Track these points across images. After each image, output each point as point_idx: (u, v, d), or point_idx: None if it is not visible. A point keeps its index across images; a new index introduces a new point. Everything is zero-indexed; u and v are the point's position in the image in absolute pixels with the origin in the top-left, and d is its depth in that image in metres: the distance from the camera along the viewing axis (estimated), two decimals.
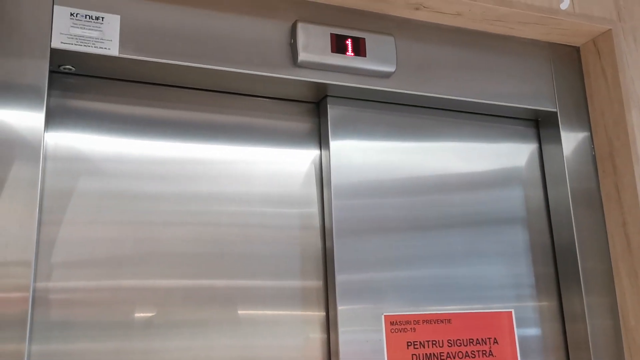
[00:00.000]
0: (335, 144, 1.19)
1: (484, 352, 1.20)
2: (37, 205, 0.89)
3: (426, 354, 1.15)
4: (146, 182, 1.07)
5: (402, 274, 1.17)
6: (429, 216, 1.24)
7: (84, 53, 0.99)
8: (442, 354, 1.16)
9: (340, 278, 1.12)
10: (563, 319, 1.31)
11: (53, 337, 0.95)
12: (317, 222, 1.18)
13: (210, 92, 1.17)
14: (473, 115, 1.35)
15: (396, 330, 1.13)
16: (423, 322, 1.16)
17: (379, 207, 1.19)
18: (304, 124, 1.23)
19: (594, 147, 1.37)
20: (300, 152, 1.21)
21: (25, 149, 0.91)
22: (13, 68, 0.94)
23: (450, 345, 1.17)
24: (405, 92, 1.22)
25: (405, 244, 1.20)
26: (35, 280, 0.96)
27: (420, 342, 1.15)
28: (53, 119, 1.04)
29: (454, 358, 1.17)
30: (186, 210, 1.09)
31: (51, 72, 1.03)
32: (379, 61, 1.18)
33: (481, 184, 1.31)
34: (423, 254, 1.21)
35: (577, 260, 1.28)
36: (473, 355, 1.18)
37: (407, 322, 1.15)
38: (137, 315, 1.01)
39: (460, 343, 1.18)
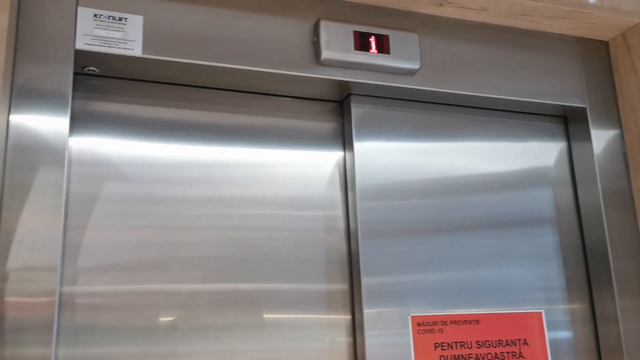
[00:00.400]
0: (359, 145, 1.17)
1: (514, 353, 1.17)
2: (63, 210, 0.89)
3: (454, 355, 1.13)
4: (170, 185, 1.07)
5: (429, 277, 1.15)
6: (455, 218, 1.21)
7: (107, 54, 0.99)
8: (470, 356, 1.13)
9: (366, 281, 1.10)
10: (595, 321, 1.28)
11: (79, 342, 0.95)
12: (341, 224, 1.17)
13: (234, 92, 1.16)
14: (499, 112, 1.32)
15: (423, 331, 1.11)
16: (451, 323, 1.14)
17: (405, 209, 1.17)
18: (327, 124, 1.21)
19: (624, 144, 1.33)
20: (324, 154, 1.19)
21: (50, 154, 0.91)
22: (37, 71, 0.94)
23: (479, 346, 1.14)
24: (430, 89, 1.20)
25: (432, 246, 1.17)
26: (61, 285, 0.95)
27: (448, 344, 1.13)
28: (77, 122, 1.04)
29: (483, 359, 1.14)
30: (210, 213, 1.08)
31: (75, 74, 1.03)
32: (403, 58, 1.16)
33: (509, 184, 1.28)
34: (450, 256, 1.18)
35: (608, 261, 1.25)
36: (502, 357, 1.16)
37: (435, 323, 1.12)
38: (161, 319, 1.00)
39: (490, 344, 1.15)
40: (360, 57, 1.13)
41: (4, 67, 0.87)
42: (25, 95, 0.92)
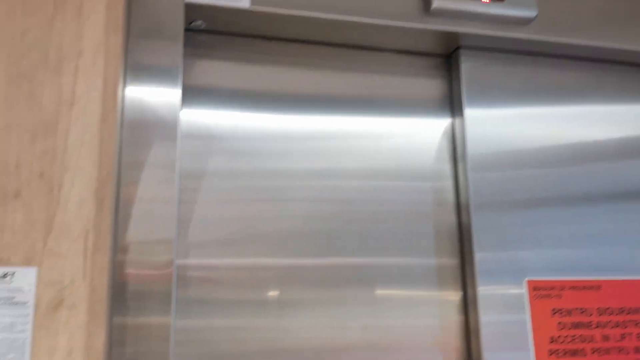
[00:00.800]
0: (469, 109, 1.11)
1: (637, 322, 1.09)
2: (176, 185, 0.89)
3: (573, 322, 1.06)
4: (277, 158, 1.05)
5: (546, 252, 1.08)
6: (574, 188, 1.13)
7: (216, 6, 0.97)
8: (591, 323, 1.07)
9: (479, 256, 1.05)
10: None
11: (193, 313, 0.95)
12: (450, 196, 1.11)
13: (338, 48, 1.12)
14: (622, 67, 1.22)
15: (540, 297, 1.05)
16: (570, 289, 1.07)
17: (520, 179, 1.10)
18: (433, 82, 1.16)
19: None
20: (430, 121, 1.14)
21: (163, 128, 0.90)
22: (149, 39, 0.93)
23: (600, 313, 1.07)
24: (546, 40, 1.12)
25: (549, 219, 1.10)
26: (176, 258, 0.96)
27: (567, 310, 1.06)
28: (186, 89, 1.02)
29: (604, 327, 1.07)
30: (319, 186, 1.05)
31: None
32: (518, 6, 1.08)
33: (630, 151, 1.18)
34: (569, 230, 1.11)
35: None
36: (625, 326, 1.08)
37: (552, 288, 1.06)
38: (270, 293, 0.99)
39: (612, 312, 1.08)
40: (472, 5, 1.06)
41: (122, 28, 0.86)
42: (138, 64, 0.91)
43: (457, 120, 1.13)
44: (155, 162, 0.89)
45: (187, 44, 1.04)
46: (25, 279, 0.75)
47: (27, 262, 0.76)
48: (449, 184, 1.12)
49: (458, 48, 1.14)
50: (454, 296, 1.07)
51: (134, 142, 0.89)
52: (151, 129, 0.90)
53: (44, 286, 0.76)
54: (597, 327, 1.07)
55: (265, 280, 1.00)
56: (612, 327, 1.08)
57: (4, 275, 0.75)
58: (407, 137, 1.12)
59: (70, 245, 0.78)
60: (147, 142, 0.89)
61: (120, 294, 0.84)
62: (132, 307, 0.84)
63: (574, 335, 1.06)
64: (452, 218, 1.11)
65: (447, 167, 1.13)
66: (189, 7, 0.97)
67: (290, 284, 1.00)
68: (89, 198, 0.80)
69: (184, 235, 0.98)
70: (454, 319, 1.06)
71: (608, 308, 1.09)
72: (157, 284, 0.86)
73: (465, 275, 1.08)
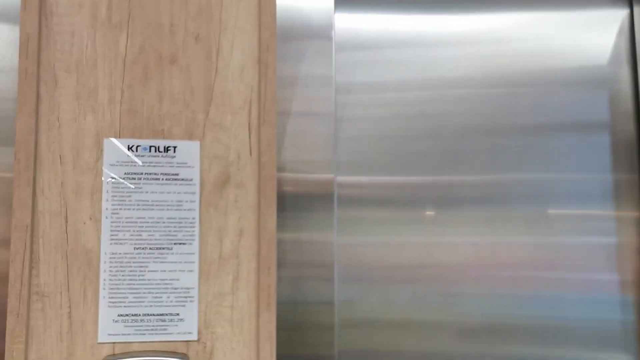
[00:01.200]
0: None
1: None
2: (333, 102, 0.84)
3: None
4: (435, 67, 0.95)
5: None
6: None
7: None
8: None
9: None
10: None
11: (352, 230, 0.91)
12: (628, 104, 0.96)
13: None
14: None
15: None
16: None
17: None
18: None
19: None
20: (602, 13, 0.98)
21: (315, 34, 0.84)
22: None
23: None
24: None
25: None
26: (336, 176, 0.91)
27: None
28: None
29: None
30: (479, 96, 0.94)
31: None
32: None
33: None
34: None
35: None
36: None
37: None
38: (427, 211, 0.93)
39: None
40: None
41: None
42: None
43: (638, 11, 0.95)
44: (309, 79, 0.84)
45: None
46: (189, 153, 0.67)
47: (189, 135, 0.67)
48: (627, 89, 0.97)
49: None
50: (633, 213, 0.94)
51: (286, 52, 0.83)
52: (304, 37, 0.84)
53: (208, 162, 0.67)
54: None
55: (421, 198, 0.93)
56: None
57: (167, 149, 0.66)
58: (574, 35, 0.97)
59: (233, 117, 0.69)
60: (299, 51, 0.83)
61: (280, 211, 0.82)
62: (292, 224, 0.83)
63: None
64: (630, 128, 0.96)
65: (624, 70, 0.97)
66: None
67: (446, 201, 0.93)
68: (250, 64, 0.70)
69: (341, 153, 0.91)
70: (632, 238, 0.93)
71: None
72: (317, 201, 0.84)
73: None
